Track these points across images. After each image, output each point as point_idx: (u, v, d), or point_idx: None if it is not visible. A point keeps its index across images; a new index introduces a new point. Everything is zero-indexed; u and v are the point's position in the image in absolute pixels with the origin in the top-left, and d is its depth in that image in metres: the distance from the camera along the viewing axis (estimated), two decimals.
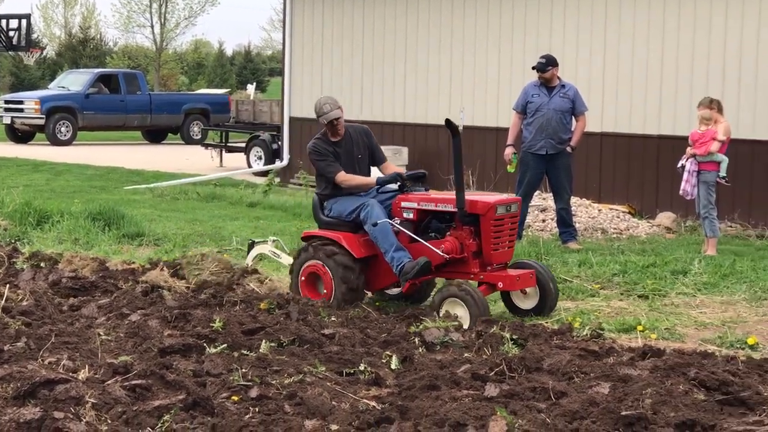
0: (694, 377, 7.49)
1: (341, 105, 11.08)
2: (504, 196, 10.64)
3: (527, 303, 10.56)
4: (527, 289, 10.50)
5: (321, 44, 23.18)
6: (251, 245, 12.15)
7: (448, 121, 10.22)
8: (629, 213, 17.62)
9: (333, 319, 9.72)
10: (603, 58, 18.32)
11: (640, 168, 17.93)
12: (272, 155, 26.12)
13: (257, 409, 6.92)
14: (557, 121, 14.74)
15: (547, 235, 16.01)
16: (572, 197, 15.67)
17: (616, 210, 17.57)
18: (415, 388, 7.44)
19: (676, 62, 17.46)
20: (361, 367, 8.06)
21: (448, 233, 10.39)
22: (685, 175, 14.38)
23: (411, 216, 10.53)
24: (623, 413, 6.61)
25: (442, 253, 10.17)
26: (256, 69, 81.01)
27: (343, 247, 10.55)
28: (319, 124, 11.07)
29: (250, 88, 45.19)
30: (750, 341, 9.47)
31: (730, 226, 16.61)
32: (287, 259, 11.59)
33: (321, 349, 8.56)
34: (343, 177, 10.83)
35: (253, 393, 7.20)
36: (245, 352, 8.39)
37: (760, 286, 11.86)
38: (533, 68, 14.90)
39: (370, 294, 11.16)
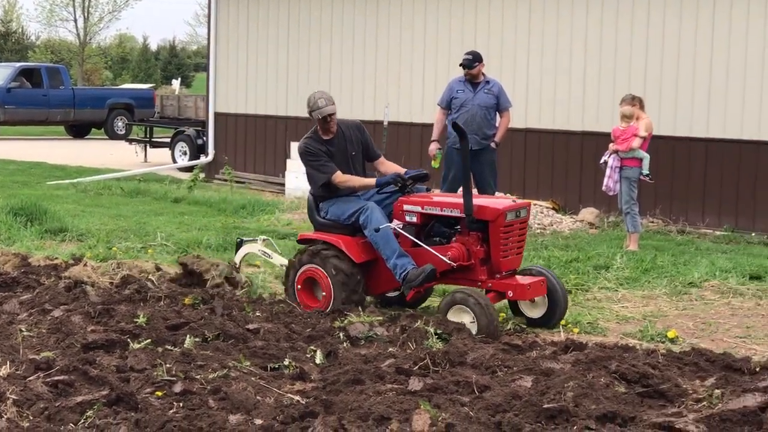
0: (615, 370, 7.58)
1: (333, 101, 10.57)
2: (514, 201, 10.08)
3: (535, 312, 10.07)
4: (536, 298, 10.00)
5: (246, 39, 23.09)
6: (239, 244, 11.58)
7: (455, 124, 10.06)
8: (553, 209, 17.76)
9: (258, 314, 9.71)
10: (527, 54, 18.43)
11: (564, 164, 18.09)
12: (197, 151, 26.02)
13: (181, 404, 6.90)
14: (482, 116, 14.82)
15: None
16: (497, 193, 15.75)
17: (540, 205, 17.69)
18: (340, 383, 7.46)
19: (599, 59, 17.61)
20: (286, 362, 8.06)
21: (454, 239, 9.99)
22: (608, 171, 14.54)
23: (414, 219, 10.07)
24: (545, 406, 6.69)
25: (448, 261, 9.71)
26: (181, 64, 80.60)
27: (342, 252, 10.11)
28: (312, 121, 10.56)
29: (175, 83, 45.01)
30: (670, 335, 9.61)
31: (652, 222, 16.80)
32: (279, 259, 11.14)
33: (246, 344, 8.55)
34: (341, 178, 10.32)
35: (177, 388, 7.18)
36: (169, 347, 8.37)
37: (680, 281, 12.03)
38: (460, 65, 14.96)
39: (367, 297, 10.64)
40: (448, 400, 6.95)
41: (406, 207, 10.11)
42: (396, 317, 9.65)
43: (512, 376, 7.63)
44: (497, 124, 15.06)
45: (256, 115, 22.94)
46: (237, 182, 21.50)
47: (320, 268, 10.17)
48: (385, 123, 12.95)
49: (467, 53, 15.10)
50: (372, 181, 10.38)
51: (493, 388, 7.26)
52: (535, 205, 17.64)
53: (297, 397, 7.24)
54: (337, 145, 10.50)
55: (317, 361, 8.27)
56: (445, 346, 8.49)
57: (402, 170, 10.53)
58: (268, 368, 7.97)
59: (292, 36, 22.18)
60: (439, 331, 8.92)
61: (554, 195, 18.10)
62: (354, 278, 10.07)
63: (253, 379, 7.55)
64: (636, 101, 14.69)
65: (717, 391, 7.23)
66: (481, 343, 8.61)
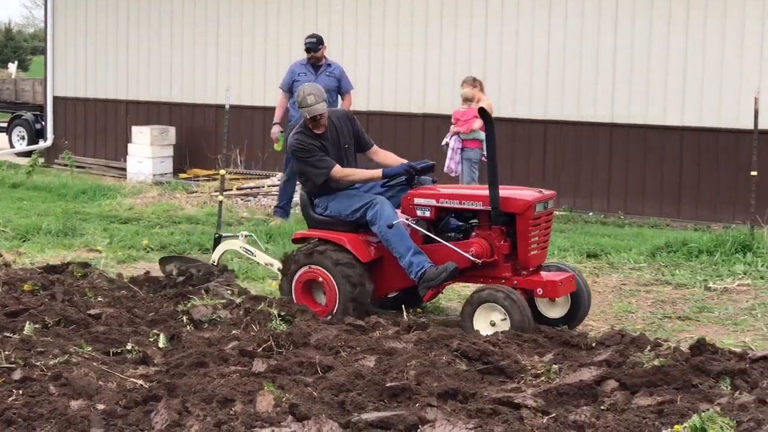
0: (456, 348, 7.71)
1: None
2: (541, 192, 9.34)
3: (555, 311, 9.40)
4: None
5: (85, 21, 22.66)
6: (217, 240, 10.89)
7: (482, 110, 9.12)
8: None
9: (100, 299, 9.56)
10: (369, 39, 18.52)
11: (406, 146, 18.19)
12: (36, 135, 25.47)
13: (21, 392, 6.78)
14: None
15: None
16: None
17: None
18: (183, 366, 7.42)
19: (440, 43, 17.81)
20: (129, 347, 7.99)
21: (474, 234, 9.30)
22: (449, 153, 14.72)
23: (427, 214, 9.35)
24: (388, 385, 6.77)
25: (472, 257, 9.06)
26: (17, 47, 78.57)
27: (347, 251, 9.39)
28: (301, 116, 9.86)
29: (12, 67, 43.88)
30: None
31: None
32: (264, 257, 10.46)
33: (87, 330, 8.43)
34: (342, 172, 9.61)
35: (17, 375, 7.05)
36: (8, 334, 8.20)
37: None
38: (306, 48, 14.95)
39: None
40: (292, 381, 6.97)
41: (417, 201, 9.40)
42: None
43: (355, 356, 7.69)
44: (339, 107, 15.11)
45: (96, 99, 22.55)
46: (77, 167, 21.10)
47: (323, 269, 9.42)
48: (227, 107, 12.87)
49: (310, 36, 15.11)
50: (378, 172, 9.68)
51: (336, 368, 7.31)
52: None
53: (140, 382, 7.18)
54: (330, 138, 9.77)
55: (160, 344, 8.21)
56: (288, 328, 8.50)
57: (400, 159, 9.97)
58: (111, 353, 7.89)
59: (132, 18, 21.85)
60: (282, 313, 8.92)
61: None
62: (362, 279, 9.34)
63: (95, 364, 7.45)
64: (477, 84, 14.89)
65: (555, 367, 7.41)
66: (325, 324, 8.65)
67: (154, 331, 8.48)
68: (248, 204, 16.88)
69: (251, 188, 17.93)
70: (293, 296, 9.58)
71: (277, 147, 15.31)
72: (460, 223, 9.54)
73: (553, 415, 6.35)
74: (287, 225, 14.18)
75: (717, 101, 15.73)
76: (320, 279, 9.45)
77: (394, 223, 9.16)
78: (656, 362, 7.29)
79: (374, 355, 7.63)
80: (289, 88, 14.98)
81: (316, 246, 9.54)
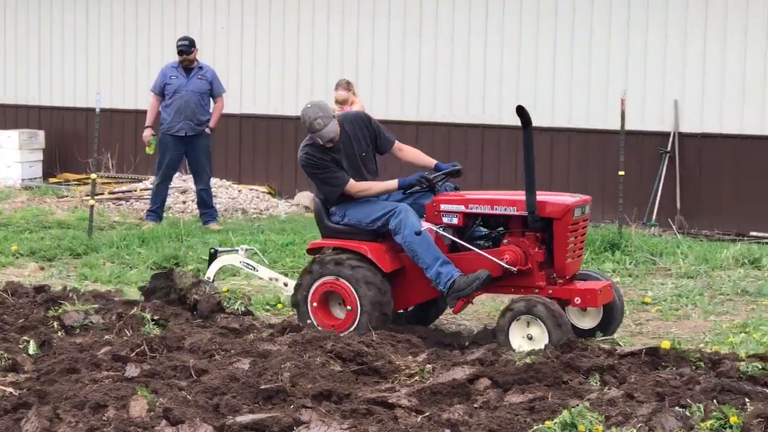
0: (330, 350, 7.72)
1: None
2: (578, 197, 8.92)
3: (586, 322, 8.96)
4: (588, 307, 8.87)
5: None
6: (213, 255, 10.09)
7: (520, 108, 8.51)
8: (269, 193, 17.84)
9: None
10: (240, 41, 18.44)
11: (280, 149, 18.19)
12: None
13: None
14: (195, 102, 14.78)
15: (188, 216, 16.00)
16: (212, 178, 15.74)
17: (257, 190, 17.75)
18: (55, 372, 7.32)
19: (312, 45, 17.82)
20: None
21: (505, 241, 8.78)
22: None
23: (455, 221, 8.82)
24: (263, 387, 6.77)
25: (507, 265, 8.57)
26: None
27: (369, 261, 8.83)
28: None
29: None
30: None
31: None
32: (267, 272, 9.91)
33: None
34: (357, 187, 9.02)
35: None
36: None
37: None
38: (178, 51, 14.85)
39: None
40: (166, 385, 6.92)
41: (444, 207, 8.86)
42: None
43: (230, 359, 7.67)
44: (211, 110, 15.05)
45: None
46: None
47: (343, 280, 8.85)
48: (97, 110, 12.74)
49: (183, 38, 15.04)
50: (393, 183, 9.11)
51: (211, 371, 7.28)
52: (251, 189, 17.71)
53: (9, 389, 7.05)
54: (343, 150, 9.15)
55: (30, 351, 8.08)
56: (162, 332, 8.44)
57: (426, 159, 9.44)
58: None
59: None
60: (156, 317, 8.85)
61: (270, 180, 18.18)
62: (385, 290, 8.82)
63: None
64: (351, 86, 14.95)
65: (428, 366, 7.48)
66: (199, 328, 8.61)
67: (24, 337, 8.33)
68: (120, 208, 16.67)
69: (123, 192, 17.71)
70: (308, 310, 9.03)
71: (149, 150, 15.18)
72: (486, 231, 9.07)
73: (427, 414, 6.41)
74: (160, 229, 14.06)
75: (585, 103, 16.00)
76: (340, 291, 8.90)
77: (422, 230, 8.65)
78: (528, 360, 7.40)
79: (249, 358, 7.61)
80: (161, 91, 14.87)
81: (335, 256, 8.95)
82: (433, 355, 7.90)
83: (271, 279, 9.85)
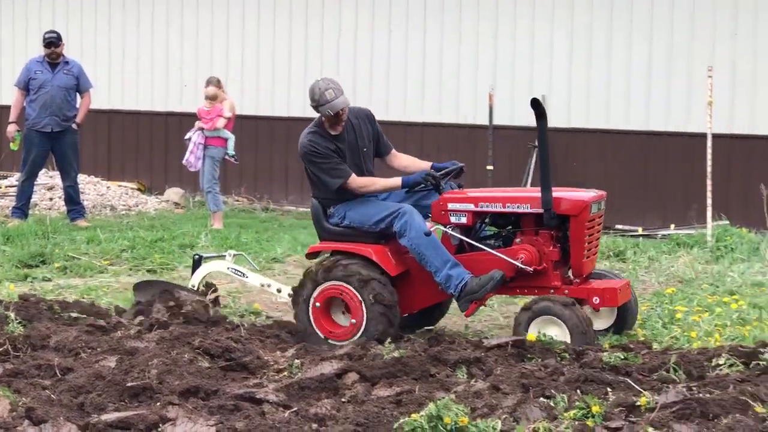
0: (198, 346, 7.67)
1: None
2: (594, 192, 8.61)
3: (600, 322, 8.61)
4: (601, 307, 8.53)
5: None
6: (197, 261, 9.59)
7: (536, 101, 8.23)
8: (138, 189, 17.68)
9: None
10: (108, 37, 18.24)
11: (149, 145, 18.04)
12: None
13: None
14: (62, 98, 14.58)
15: (55, 213, 15.76)
16: (80, 174, 15.53)
17: (126, 187, 17.58)
18: None
19: (181, 42, 17.71)
20: None
21: (517, 240, 8.46)
22: (191, 146, 14.65)
23: (464, 220, 8.46)
24: (129, 384, 6.70)
25: (522, 265, 8.24)
26: None
27: (374, 264, 8.41)
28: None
29: None
30: (255, 308, 9.84)
31: (237, 200, 17.06)
32: (258, 278, 9.46)
33: None
34: (358, 183, 8.61)
35: None
36: None
37: (264, 257, 12.30)
38: (47, 43, 14.59)
39: None
40: (29, 385, 6.82)
41: (452, 206, 8.50)
42: None
43: (96, 357, 7.57)
44: (78, 105, 14.84)
45: None
46: None
47: (347, 285, 8.41)
48: None
49: (51, 31, 14.85)
50: (397, 181, 8.69)
51: (76, 369, 7.19)
52: (120, 186, 17.53)
53: None
54: (347, 140, 8.74)
55: None
56: (26, 330, 8.28)
57: (421, 164, 9.04)
58: None
59: None
60: (20, 317, 8.68)
61: (140, 176, 18.01)
62: (392, 295, 8.39)
63: None
64: (220, 84, 14.91)
65: (297, 361, 7.47)
66: (65, 326, 8.47)
67: None
68: None
69: None
70: (310, 318, 8.58)
71: (14, 146, 14.91)
72: (491, 231, 8.77)
73: (295, 409, 6.41)
74: (25, 226, 13.81)
75: (455, 99, 16.13)
76: (344, 297, 8.48)
77: (431, 230, 8.33)
78: (396, 354, 7.45)
79: (115, 356, 7.53)
80: (26, 86, 14.63)
81: (337, 260, 8.51)
82: (301, 350, 7.90)
83: (262, 285, 9.43)
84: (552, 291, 8.27)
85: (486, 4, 15.86)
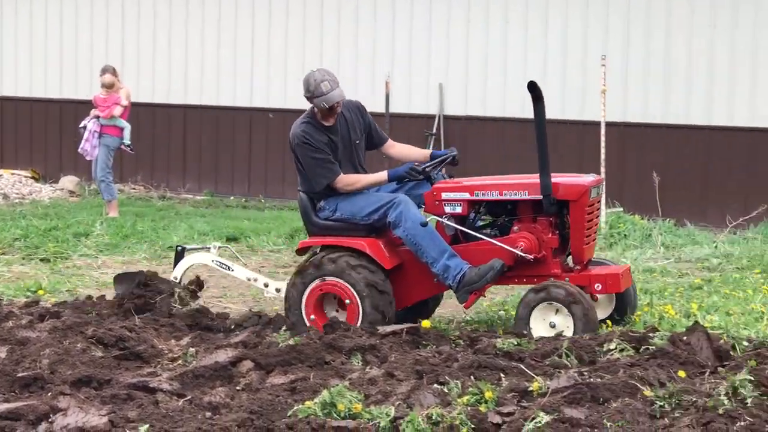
0: (92, 335, 7.58)
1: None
2: (592, 176, 8.44)
3: (599, 312, 8.29)
4: (598, 295, 8.33)
5: None
6: (180, 253, 9.13)
7: (532, 84, 8.05)
8: (33, 177, 17.44)
9: None
10: (15, 28, 17.99)
11: (43, 132, 17.79)
12: None
13: None
14: None
15: None
16: None
17: (19, 175, 17.33)
18: None
19: (75, 31, 17.51)
20: None
21: (515, 227, 8.22)
22: (86, 134, 14.49)
23: (459, 210, 8.22)
24: (20, 375, 6.60)
25: (523, 254, 8.03)
26: None
27: (367, 257, 8.15)
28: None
29: None
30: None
31: (134, 188, 16.93)
32: (244, 272, 9.07)
33: None
34: (345, 181, 8.33)
35: None
36: None
37: (160, 245, 12.21)
38: None
39: None
40: None
41: (446, 195, 8.25)
42: None
43: None
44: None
45: None
46: None
47: (341, 281, 8.17)
48: None
49: None
50: (383, 176, 8.40)
51: None
52: (13, 174, 17.28)
53: None
54: (339, 132, 8.45)
55: None
56: None
57: (419, 152, 8.82)
58: None
59: None
60: None
61: (34, 164, 17.76)
62: (387, 288, 8.16)
63: None
64: (116, 72, 14.77)
65: (192, 350, 7.42)
66: None
67: None
68: None
69: None
70: (303, 314, 8.30)
71: None
72: (495, 218, 8.48)
73: (189, 397, 6.36)
74: None
75: (353, 86, 16.12)
76: (338, 292, 8.24)
77: (428, 221, 8.09)
78: (291, 341, 7.43)
79: (6, 346, 7.42)
80: None
81: (329, 254, 8.25)
82: (197, 338, 7.85)
83: (249, 279, 9.06)
84: (551, 279, 8.01)
85: None
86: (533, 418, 5.65)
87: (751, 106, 14.31)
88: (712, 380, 6.27)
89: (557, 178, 8.14)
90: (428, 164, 8.35)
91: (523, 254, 7.97)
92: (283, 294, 8.60)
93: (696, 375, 6.52)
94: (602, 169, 13.19)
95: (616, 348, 7.13)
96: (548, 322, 7.82)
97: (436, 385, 6.41)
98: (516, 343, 7.37)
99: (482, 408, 5.96)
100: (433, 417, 5.71)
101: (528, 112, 15.07)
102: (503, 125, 15.59)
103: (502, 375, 6.66)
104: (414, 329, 7.75)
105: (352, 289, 8.12)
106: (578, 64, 15.08)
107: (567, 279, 8.02)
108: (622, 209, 14.07)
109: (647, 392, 6.04)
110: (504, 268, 7.97)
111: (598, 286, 8.04)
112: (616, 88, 14.47)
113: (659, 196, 13.98)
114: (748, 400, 5.91)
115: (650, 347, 7.10)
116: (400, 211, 8.08)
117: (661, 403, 5.89)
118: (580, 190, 8.07)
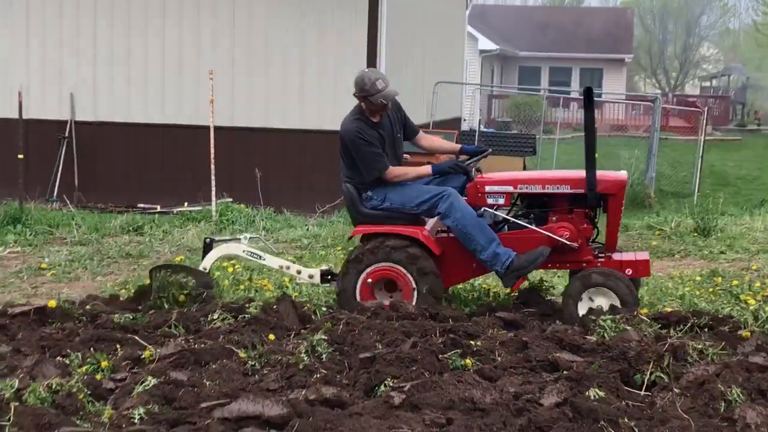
0: None
1: None
2: (624, 173, 7.98)
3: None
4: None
5: None
6: (209, 244, 8.17)
7: (589, 90, 7.46)
8: None
9: None
10: None
11: None
12: None
13: None
14: None
15: None
16: None
17: None
18: None
19: None
20: None
21: (553, 218, 7.73)
22: None
23: (501, 201, 7.73)
24: None
25: (568, 242, 7.56)
26: None
27: (420, 244, 7.58)
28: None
29: None
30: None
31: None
32: (275, 261, 8.18)
33: None
34: (394, 173, 7.75)
35: None
36: None
37: None
38: None
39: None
40: None
41: (489, 188, 7.76)
42: None
43: None
44: None
45: None
46: None
47: (397, 266, 7.58)
48: None
49: None
50: (428, 169, 7.84)
51: None
52: None
53: None
54: (386, 128, 7.87)
55: None
56: None
57: (450, 145, 8.29)
58: None
59: None
60: None
61: None
62: (437, 273, 7.62)
63: None
64: None
65: None
66: None
67: None
68: None
69: None
70: (357, 297, 7.65)
71: None
72: (534, 210, 7.90)
73: None
74: None
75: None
76: (393, 277, 7.64)
77: (482, 211, 7.63)
78: None
79: None
80: None
81: (384, 242, 7.65)
82: None
83: (281, 267, 8.23)
84: (584, 265, 7.70)
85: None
86: (143, 382, 5.55)
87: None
88: (296, 341, 6.38)
89: (598, 174, 7.74)
90: (471, 160, 7.97)
91: (569, 242, 7.65)
92: (316, 280, 8.15)
93: (284, 337, 6.61)
94: (212, 166, 13.23)
95: (218, 318, 7.12)
96: (596, 305, 7.43)
97: (59, 358, 6.18)
98: (132, 317, 7.23)
99: (98, 376, 5.81)
100: (53, 386, 5.50)
101: (154, 118, 15.15)
102: (127, 128, 15.38)
103: (118, 346, 6.50)
104: (41, 309, 7.44)
105: (408, 274, 7.63)
106: (192, 75, 15.05)
107: (599, 265, 7.71)
108: (231, 199, 14.17)
109: (242, 354, 6.08)
110: (549, 253, 7.64)
111: (628, 271, 7.70)
112: (224, 97, 14.56)
113: (261, 188, 14.15)
114: (324, 356, 6.06)
115: (246, 315, 7.14)
116: (450, 203, 7.63)
117: (253, 363, 5.94)
118: (620, 184, 7.76)
